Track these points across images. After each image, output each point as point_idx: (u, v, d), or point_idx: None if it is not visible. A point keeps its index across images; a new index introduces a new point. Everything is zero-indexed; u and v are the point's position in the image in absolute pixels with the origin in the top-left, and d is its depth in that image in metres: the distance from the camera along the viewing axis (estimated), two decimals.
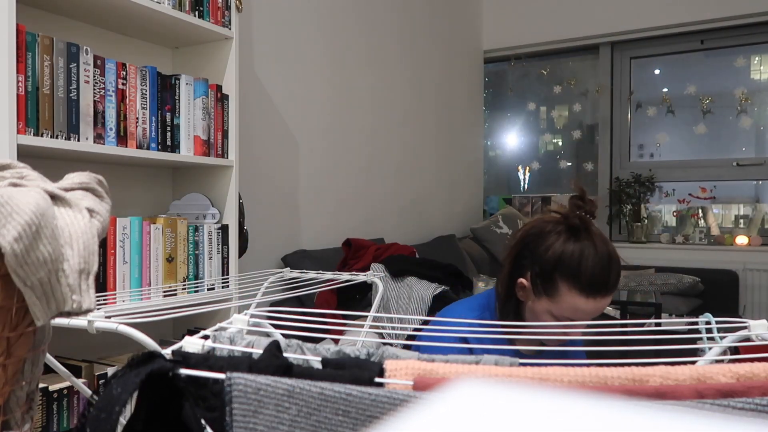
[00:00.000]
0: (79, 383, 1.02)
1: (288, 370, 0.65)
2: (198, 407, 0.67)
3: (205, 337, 0.77)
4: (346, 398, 0.59)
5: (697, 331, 0.82)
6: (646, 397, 0.55)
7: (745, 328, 0.77)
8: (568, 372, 0.61)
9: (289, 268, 1.93)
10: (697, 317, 0.84)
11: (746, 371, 0.57)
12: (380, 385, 0.63)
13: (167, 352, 0.70)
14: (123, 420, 0.65)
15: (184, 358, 0.69)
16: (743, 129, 3.84)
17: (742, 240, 3.68)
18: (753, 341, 0.75)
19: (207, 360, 0.68)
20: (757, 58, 3.81)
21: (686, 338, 0.83)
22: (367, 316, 1.56)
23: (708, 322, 0.80)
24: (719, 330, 0.80)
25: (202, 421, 0.67)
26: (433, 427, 0.19)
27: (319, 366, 0.68)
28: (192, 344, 0.74)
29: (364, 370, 0.64)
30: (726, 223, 3.90)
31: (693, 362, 0.69)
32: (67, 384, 1.56)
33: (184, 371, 0.66)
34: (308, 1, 3.04)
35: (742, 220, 3.85)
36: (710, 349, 0.78)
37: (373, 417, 0.58)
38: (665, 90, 4.07)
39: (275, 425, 0.61)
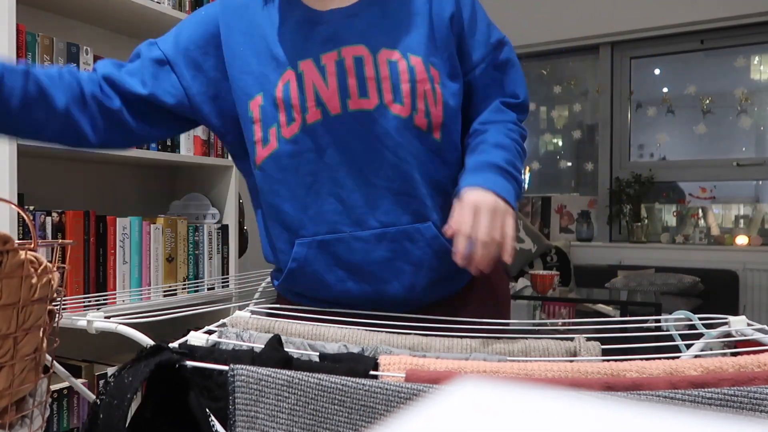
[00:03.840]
0: (79, 384, 1.02)
1: (288, 362, 0.68)
2: (203, 397, 0.70)
3: (210, 333, 0.80)
4: (342, 389, 0.62)
5: (694, 328, 0.82)
6: (624, 388, 0.59)
7: (725, 324, 0.78)
8: (551, 367, 0.65)
9: None
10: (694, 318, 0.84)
11: (715, 366, 0.62)
12: (374, 377, 0.66)
13: (174, 345, 0.73)
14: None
15: (190, 351, 0.72)
16: (743, 129, 3.84)
17: (742, 240, 3.68)
18: (734, 336, 0.77)
19: (212, 353, 0.71)
20: (757, 58, 3.81)
21: (660, 335, 0.85)
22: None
23: (689, 319, 0.81)
24: (707, 327, 0.81)
25: (207, 410, 0.70)
26: (426, 420, 0.19)
27: (316, 359, 0.71)
28: (197, 338, 0.77)
29: (360, 364, 0.68)
30: (726, 223, 3.90)
31: (676, 357, 0.70)
32: (67, 384, 1.56)
33: (190, 363, 0.70)
34: None
35: (742, 220, 3.85)
36: (689, 346, 0.80)
37: (367, 406, 0.61)
38: (665, 90, 4.07)
39: (275, 413, 0.64)
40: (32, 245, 0.63)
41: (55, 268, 0.69)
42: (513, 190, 0.90)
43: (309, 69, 0.91)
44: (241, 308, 0.99)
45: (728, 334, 0.78)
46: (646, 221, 4.02)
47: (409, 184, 0.91)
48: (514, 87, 1.03)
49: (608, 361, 0.67)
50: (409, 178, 0.91)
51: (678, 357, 0.71)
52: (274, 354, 0.69)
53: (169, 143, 1.92)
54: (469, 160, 0.94)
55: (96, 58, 1.68)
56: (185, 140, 1.97)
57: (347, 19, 0.93)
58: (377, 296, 0.94)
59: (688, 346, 0.79)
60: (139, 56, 1.00)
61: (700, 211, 3.93)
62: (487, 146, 0.94)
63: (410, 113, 0.90)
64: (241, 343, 0.77)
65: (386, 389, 0.61)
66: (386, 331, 0.82)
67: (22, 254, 0.62)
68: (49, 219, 1.56)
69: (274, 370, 0.65)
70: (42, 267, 0.66)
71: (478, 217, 0.82)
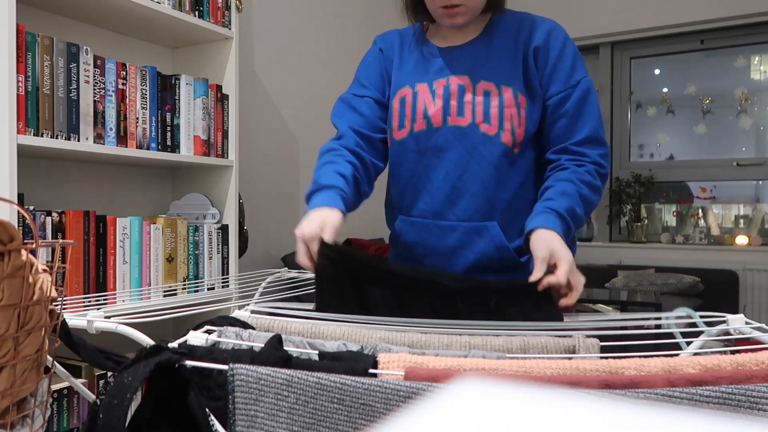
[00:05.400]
0: (78, 384, 1.03)
1: (287, 361, 0.69)
2: (203, 397, 0.70)
3: (209, 332, 0.79)
4: (341, 387, 0.62)
5: (693, 326, 0.82)
6: (622, 386, 0.59)
7: (723, 322, 0.78)
8: (550, 365, 0.65)
9: (287, 268, 1.93)
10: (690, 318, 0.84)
11: (713, 364, 0.62)
12: (373, 375, 0.66)
13: (174, 345, 0.73)
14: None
15: (189, 351, 0.72)
16: (743, 129, 3.84)
17: (742, 240, 3.68)
18: (732, 334, 0.77)
19: (211, 353, 0.72)
20: (757, 58, 3.81)
21: (659, 333, 0.86)
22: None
23: (690, 316, 0.81)
24: (705, 325, 0.82)
25: (206, 410, 0.70)
26: (425, 419, 0.19)
27: (316, 358, 0.71)
28: (196, 338, 0.76)
29: (359, 362, 0.68)
30: (726, 223, 3.90)
31: (674, 355, 0.71)
32: (67, 384, 1.56)
33: (189, 363, 0.70)
34: (308, 1, 3.05)
35: (742, 220, 3.85)
36: (688, 343, 0.80)
37: (367, 405, 0.61)
38: (665, 90, 4.07)
39: (275, 412, 0.64)
40: (34, 245, 0.63)
41: (56, 268, 0.69)
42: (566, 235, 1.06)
43: (423, 90, 1.18)
44: (241, 308, 1.00)
45: (726, 332, 0.78)
46: (646, 221, 4.02)
47: (484, 189, 1.13)
48: (583, 125, 1.14)
49: (607, 358, 0.67)
50: (486, 185, 1.12)
51: (676, 355, 0.71)
52: (274, 353, 0.69)
53: (169, 143, 1.92)
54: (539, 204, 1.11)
55: (96, 58, 1.68)
56: (185, 140, 1.97)
57: (458, 55, 1.18)
58: (444, 270, 1.17)
59: (688, 344, 0.80)
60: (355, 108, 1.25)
61: (700, 211, 3.93)
62: (554, 193, 1.10)
63: (497, 131, 1.12)
64: (241, 342, 0.77)
65: (385, 387, 0.61)
66: (385, 329, 0.83)
67: (25, 254, 0.62)
68: (49, 219, 1.56)
69: (273, 369, 0.65)
70: (34, 267, 0.66)
71: (569, 273, 0.96)
